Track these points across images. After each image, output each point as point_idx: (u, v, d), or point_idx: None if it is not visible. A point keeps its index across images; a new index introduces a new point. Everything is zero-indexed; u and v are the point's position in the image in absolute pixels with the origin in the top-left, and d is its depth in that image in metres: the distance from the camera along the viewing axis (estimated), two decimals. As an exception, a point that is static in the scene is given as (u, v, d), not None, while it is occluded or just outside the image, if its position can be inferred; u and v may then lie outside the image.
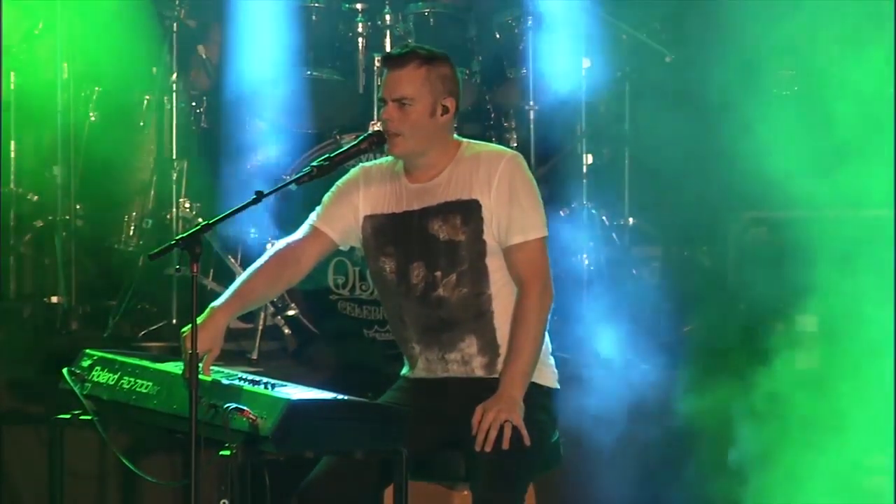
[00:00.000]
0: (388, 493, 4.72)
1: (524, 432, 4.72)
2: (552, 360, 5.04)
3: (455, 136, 5.03)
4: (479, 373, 4.94)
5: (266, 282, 4.97)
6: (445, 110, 4.93)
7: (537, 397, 4.90)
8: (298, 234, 5.07)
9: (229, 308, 4.84)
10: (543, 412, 4.92)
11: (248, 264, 7.46)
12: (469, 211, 4.90)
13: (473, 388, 4.90)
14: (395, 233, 4.99)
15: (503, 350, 4.91)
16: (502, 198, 4.89)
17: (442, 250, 4.91)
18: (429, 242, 4.93)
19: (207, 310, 4.81)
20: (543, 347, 4.97)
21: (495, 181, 4.89)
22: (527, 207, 4.89)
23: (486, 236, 4.91)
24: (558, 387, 5.03)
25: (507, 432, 4.71)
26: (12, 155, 7.89)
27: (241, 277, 4.95)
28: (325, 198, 5.09)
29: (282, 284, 5.08)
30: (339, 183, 5.10)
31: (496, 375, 4.90)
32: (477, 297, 4.91)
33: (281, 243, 5.06)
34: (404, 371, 5.11)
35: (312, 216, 5.08)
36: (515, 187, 4.89)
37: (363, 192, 5.06)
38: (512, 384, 4.80)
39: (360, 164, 5.12)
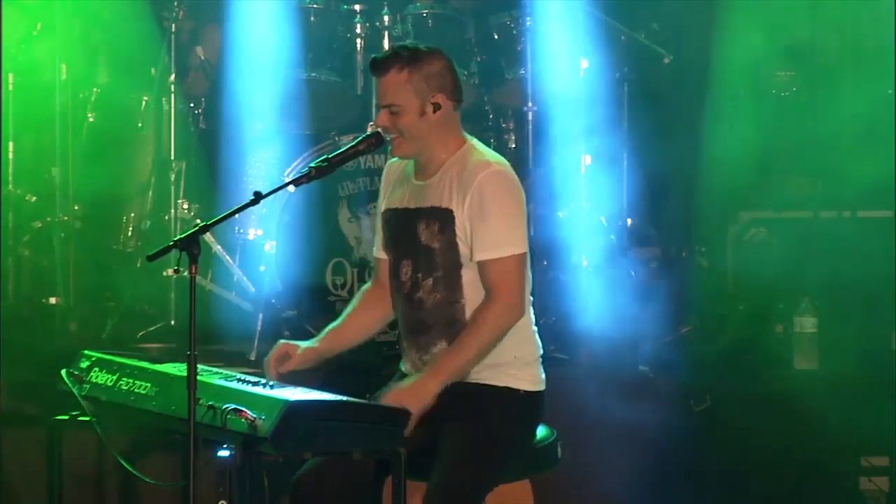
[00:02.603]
0: (388, 494, 4.71)
1: (410, 427, 4.69)
2: (536, 362, 4.99)
3: (463, 133, 4.99)
4: None
5: (364, 315, 5.12)
6: (436, 107, 4.90)
7: (508, 402, 4.90)
8: (374, 269, 5.18)
9: (320, 350, 5.03)
10: (509, 417, 4.91)
11: (248, 265, 7.56)
12: (445, 219, 4.89)
13: (449, 391, 4.87)
14: (394, 229, 5.02)
15: None
16: (473, 212, 4.85)
17: (423, 253, 4.92)
18: (415, 243, 4.94)
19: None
20: (529, 351, 4.96)
21: (468, 194, 4.86)
22: (496, 224, 4.83)
23: (461, 247, 4.89)
24: (542, 388, 4.99)
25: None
26: (11, 156, 7.88)
27: (339, 318, 5.11)
28: None
29: (380, 315, 5.15)
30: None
31: (469, 380, 4.89)
32: (450, 305, 4.90)
33: (367, 284, 5.20)
34: (401, 365, 5.12)
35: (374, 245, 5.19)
36: (486, 203, 4.83)
37: (385, 188, 5.11)
38: (435, 374, 4.80)
39: (388, 161, 5.13)
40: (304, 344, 5.02)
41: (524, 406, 4.94)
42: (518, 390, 4.93)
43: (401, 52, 4.91)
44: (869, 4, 7.89)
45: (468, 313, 4.90)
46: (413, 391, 4.77)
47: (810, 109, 7.89)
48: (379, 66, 4.91)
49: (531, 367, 4.97)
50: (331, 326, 5.09)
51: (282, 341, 5.07)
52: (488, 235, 4.83)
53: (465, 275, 4.90)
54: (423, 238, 4.92)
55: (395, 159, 5.08)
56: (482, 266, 4.85)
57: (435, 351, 4.93)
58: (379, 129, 4.96)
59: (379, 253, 5.12)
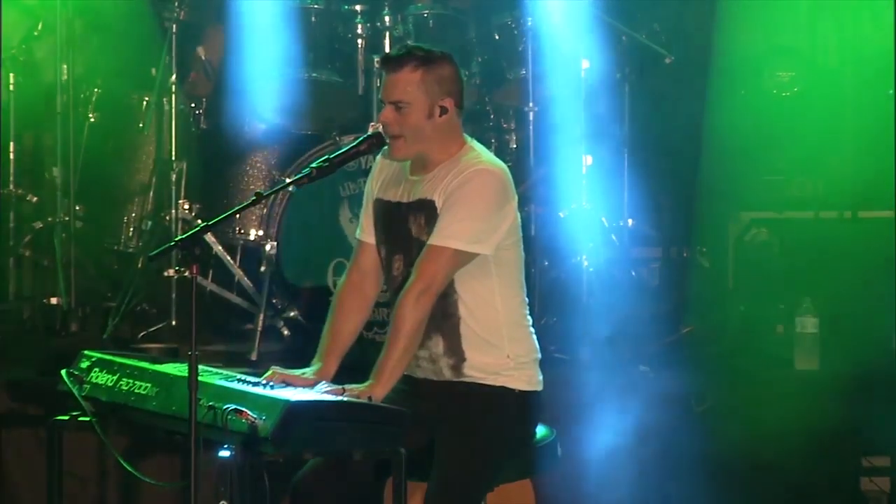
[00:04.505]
0: (389, 494, 4.72)
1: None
2: (533, 362, 4.99)
3: (466, 137, 5.00)
4: (447, 374, 4.95)
5: (348, 323, 5.07)
6: (443, 111, 4.92)
7: (504, 402, 4.92)
8: (355, 253, 5.12)
9: (330, 368, 4.97)
10: (505, 417, 4.92)
11: (248, 265, 7.57)
12: (430, 211, 4.90)
13: (444, 391, 4.92)
14: (386, 221, 5.02)
15: (469, 355, 4.92)
16: (447, 200, 4.87)
17: (415, 247, 4.92)
18: (408, 237, 4.95)
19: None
20: (525, 352, 4.97)
21: (451, 186, 4.88)
22: (459, 217, 4.84)
23: None
24: (538, 388, 4.99)
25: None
26: (12, 156, 7.89)
27: (326, 336, 5.05)
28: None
29: (363, 314, 5.12)
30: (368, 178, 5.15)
31: (464, 379, 4.91)
32: (443, 299, 4.90)
33: (342, 280, 5.13)
34: None
35: (357, 229, 5.14)
36: (461, 195, 4.85)
37: (376, 178, 5.09)
38: (378, 380, 4.81)
39: (381, 151, 5.12)
40: (310, 371, 4.97)
41: (520, 406, 4.95)
42: (513, 390, 4.93)
43: (416, 51, 4.92)
44: (869, 4, 7.89)
45: (462, 307, 4.91)
46: (361, 395, 4.76)
47: (810, 109, 7.89)
48: (393, 62, 4.92)
49: (527, 368, 4.97)
50: (324, 344, 5.04)
51: (301, 373, 4.97)
52: (443, 222, 4.85)
53: None
54: (413, 231, 4.93)
55: None
56: (425, 248, 4.86)
57: (430, 345, 4.93)
58: (380, 128, 4.96)
59: (366, 236, 5.08)
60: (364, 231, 5.10)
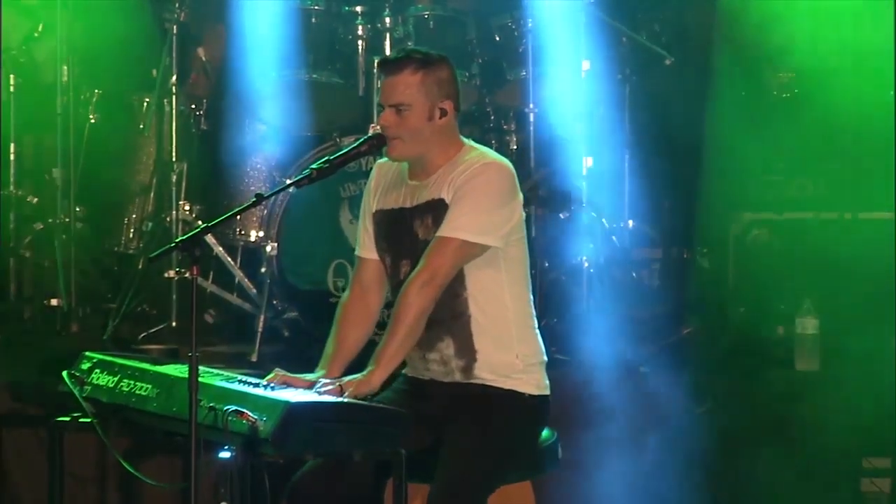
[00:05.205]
0: (389, 497, 4.72)
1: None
2: (540, 365, 5.00)
3: (462, 138, 5.01)
4: (458, 376, 4.94)
5: (353, 333, 5.06)
6: (443, 113, 4.92)
7: (513, 406, 4.92)
8: (355, 269, 5.13)
9: (333, 375, 4.94)
10: (515, 421, 4.92)
11: (249, 267, 7.57)
12: (438, 211, 4.90)
13: (453, 392, 4.93)
14: (390, 229, 5.02)
15: (480, 356, 4.91)
16: (456, 193, 4.88)
17: (421, 249, 4.91)
18: (414, 241, 4.95)
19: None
20: (533, 352, 4.97)
21: (459, 180, 4.89)
22: (468, 209, 4.85)
23: None
24: (546, 392, 5.00)
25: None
26: (12, 157, 7.90)
27: (330, 345, 5.04)
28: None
29: (367, 325, 5.11)
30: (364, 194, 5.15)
31: (474, 381, 4.92)
32: (453, 299, 4.91)
33: (345, 294, 5.14)
34: (403, 368, 5.13)
35: (356, 246, 5.14)
36: (470, 188, 4.86)
37: (374, 189, 5.09)
38: (377, 366, 4.82)
39: (378, 161, 5.11)
40: (313, 377, 4.95)
41: (529, 410, 4.95)
42: (524, 394, 4.94)
43: (414, 54, 4.94)
44: (869, 5, 7.90)
45: (472, 304, 4.91)
46: (359, 384, 4.77)
47: (810, 109, 7.89)
48: (391, 65, 4.92)
49: (535, 371, 4.98)
50: (328, 353, 5.04)
51: (297, 377, 4.94)
52: (452, 214, 4.86)
53: (465, 265, 4.91)
54: (421, 234, 4.93)
55: (385, 159, 5.08)
56: (434, 240, 4.87)
57: (441, 346, 4.93)
58: (379, 129, 4.96)
59: (365, 253, 5.09)
60: (363, 247, 5.11)
